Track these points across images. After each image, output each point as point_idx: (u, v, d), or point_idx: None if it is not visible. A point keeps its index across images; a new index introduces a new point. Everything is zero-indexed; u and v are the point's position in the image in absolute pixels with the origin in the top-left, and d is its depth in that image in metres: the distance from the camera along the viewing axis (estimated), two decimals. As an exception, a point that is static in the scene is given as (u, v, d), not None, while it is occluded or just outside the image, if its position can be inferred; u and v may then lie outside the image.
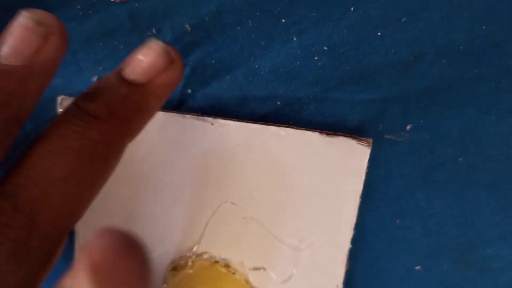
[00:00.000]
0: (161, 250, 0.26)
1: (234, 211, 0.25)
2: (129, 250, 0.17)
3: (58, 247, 0.17)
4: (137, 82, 0.18)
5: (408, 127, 0.24)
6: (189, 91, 0.25)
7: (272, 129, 0.24)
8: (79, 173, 0.17)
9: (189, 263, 0.27)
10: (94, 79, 0.25)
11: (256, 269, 0.26)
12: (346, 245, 0.25)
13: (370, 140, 0.23)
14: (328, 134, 0.24)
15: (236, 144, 0.24)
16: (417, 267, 0.26)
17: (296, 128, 0.24)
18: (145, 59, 0.18)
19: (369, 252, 0.27)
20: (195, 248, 0.26)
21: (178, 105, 0.25)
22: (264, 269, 0.26)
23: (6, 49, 0.17)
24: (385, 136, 0.24)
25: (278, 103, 0.24)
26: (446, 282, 0.26)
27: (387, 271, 0.27)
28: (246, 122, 0.24)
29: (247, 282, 0.27)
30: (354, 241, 0.26)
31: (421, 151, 0.24)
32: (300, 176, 0.24)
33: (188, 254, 0.27)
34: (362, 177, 0.24)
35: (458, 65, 0.23)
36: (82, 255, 0.16)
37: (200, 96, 0.25)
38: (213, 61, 0.24)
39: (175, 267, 0.27)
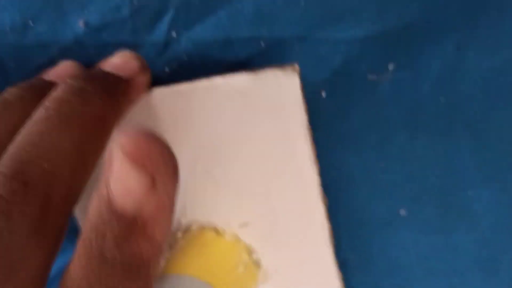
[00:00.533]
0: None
1: (201, 174, 0.25)
2: (160, 141, 0.17)
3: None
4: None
5: (390, 67, 0.24)
6: (174, 34, 0.25)
7: (202, 83, 0.23)
8: (83, 145, 0.18)
9: (179, 235, 0.26)
10: (80, 23, 0.25)
11: (242, 226, 0.26)
12: (314, 178, 0.25)
13: (296, 65, 0.23)
14: (252, 71, 0.23)
15: (179, 109, 0.24)
16: (402, 212, 0.27)
17: (220, 76, 0.23)
18: (121, 60, 0.22)
19: (353, 199, 0.27)
20: (182, 220, 0.26)
21: (163, 49, 0.25)
22: (249, 224, 0.26)
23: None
24: (368, 76, 0.24)
25: (262, 44, 0.24)
26: (430, 226, 0.27)
27: (372, 217, 0.27)
28: (177, 84, 0.24)
29: (238, 241, 0.27)
30: (338, 187, 0.26)
31: (403, 91, 0.25)
32: (242, 122, 0.24)
33: (176, 228, 0.26)
34: (301, 105, 0.23)
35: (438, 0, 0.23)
36: (116, 145, 0.16)
37: (185, 40, 0.25)
38: (197, 2, 0.24)
39: (169, 245, 0.27)
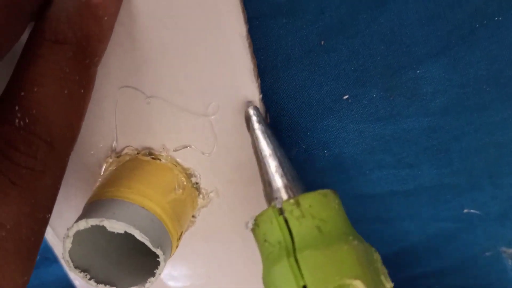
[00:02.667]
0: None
1: (134, 93, 0.23)
2: None
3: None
4: None
5: None
6: None
7: None
8: (71, 89, 0.19)
9: (111, 160, 0.24)
10: None
11: (179, 149, 0.24)
12: (256, 95, 0.23)
13: None
14: None
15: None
16: (345, 97, 0.24)
17: None
18: None
19: (292, 82, 0.24)
20: (114, 144, 0.25)
21: None
22: (187, 146, 0.24)
23: None
24: None
25: None
26: (376, 112, 0.24)
27: (313, 103, 0.24)
28: None
29: (176, 164, 0.24)
30: (275, 70, 0.23)
31: (343, -46, 0.22)
32: (179, 35, 0.22)
33: (108, 153, 0.25)
34: (240, 15, 0.21)
35: None
36: None
37: None
38: None
39: (102, 172, 0.25)
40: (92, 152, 0.25)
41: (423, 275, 0.28)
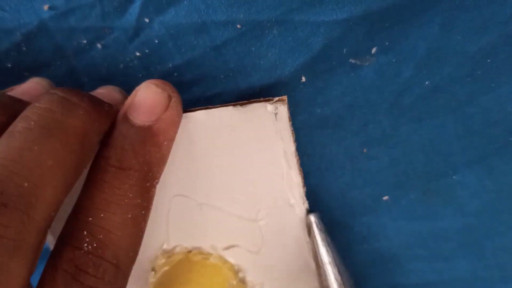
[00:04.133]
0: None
1: (187, 201, 0.25)
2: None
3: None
4: (144, 126, 0.20)
5: (373, 50, 0.23)
6: (146, 20, 0.23)
7: (189, 115, 0.23)
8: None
9: (163, 260, 0.26)
10: (45, 7, 0.23)
11: (227, 248, 0.26)
12: (301, 205, 0.25)
13: (285, 98, 0.23)
14: (241, 105, 0.23)
15: None
16: (385, 198, 0.26)
17: (210, 108, 0.23)
18: (145, 103, 0.20)
19: (336, 184, 0.26)
20: (165, 246, 0.26)
21: (134, 35, 0.24)
22: (235, 246, 0.26)
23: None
24: (349, 60, 0.23)
25: (239, 26, 0.23)
26: (414, 211, 0.26)
27: (354, 203, 0.26)
28: None
29: (224, 262, 0.26)
30: (320, 173, 0.25)
31: (387, 75, 0.24)
32: (231, 152, 0.24)
33: (160, 253, 0.26)
34: (290, 135, 0.24)
35: (422, -20, 0.22)
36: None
37: (157, 25, 0.24)
38: (169, -16, 0.23)
39: (153, 268, 0.27)
40: (144, 252, 0.27)
41: None
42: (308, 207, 0.25)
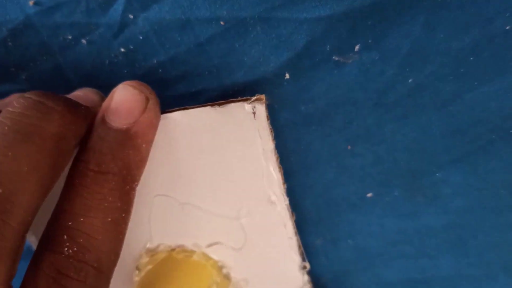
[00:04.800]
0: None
1: (168, 201, 0.25)
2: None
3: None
4: (122, 129, 0.20)
5: (356, 48, 0.23)
6: (130, 16, 0.23)
7: (167, 116, 0.23)
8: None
9: (147, 259, 0.27)
10: (31, 2, 0.23)
11: (210, 245, 0.26)
12: (282, 201, 0.25)
13: (263, 97, 0.23)
14: (219, 105, 0.23)
15: None
16: (369, 194, 0.26)
17: (188, 109, 0.23)
18: (123, 106, 0.20)
19: (321, 181, 0.26)
20: (148, 245, 0.26)
21: (119, 31, 0.24)
22: (218, 243, 0.26)
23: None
24: (333, 57, 0.23)
25: (222, 23, 0.23)
26: (398, 209, 0.26)
27: (339, 200, 0.26)
28: None
29: (207, 259, 0.27)
30: (305, 170, 0.25)
31: (370, 72, 0.24)
32: (211, 152, 0.24)
33: (144, 252, 0.27)
34: (268, 133, 0.24)
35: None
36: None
37: (142, 21, 0.24)
38: (153, -20, 0.23)
39: (138, 267, 0.27)
40: (128, 252, 0.27)
41: None
42: (288, 203, 0.25)
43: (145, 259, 0.27)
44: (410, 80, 0.24)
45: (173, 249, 0.26)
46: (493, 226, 0.26)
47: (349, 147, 0.25)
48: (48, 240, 0.19)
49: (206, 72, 0.24)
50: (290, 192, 0.26)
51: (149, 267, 0.27)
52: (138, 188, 0.22)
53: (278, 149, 0.25)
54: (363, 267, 0.28)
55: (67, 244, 0.19)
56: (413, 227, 0.26)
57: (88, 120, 0.21)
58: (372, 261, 0.28)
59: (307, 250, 0.28)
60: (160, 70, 0.24)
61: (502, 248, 0.26)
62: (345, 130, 0.25)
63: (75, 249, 0.19)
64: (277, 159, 0.24)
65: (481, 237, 0.26)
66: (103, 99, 0.23)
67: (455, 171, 0.25)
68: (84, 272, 0.19)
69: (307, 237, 0.28)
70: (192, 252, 0.26)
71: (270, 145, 0.24)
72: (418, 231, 0.27)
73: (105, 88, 0.23)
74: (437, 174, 0.25)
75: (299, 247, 0.26)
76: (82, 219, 0.19)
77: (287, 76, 0.24)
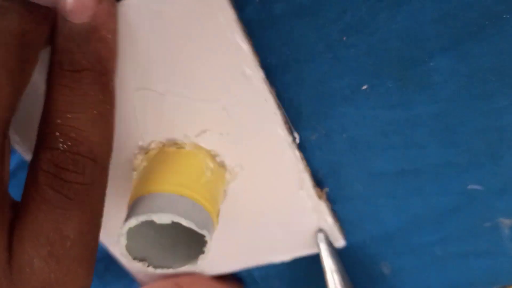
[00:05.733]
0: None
1: (149, 94, 0.25)
2: None
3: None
4: (83, 24, 0.21)
5: None
6: None
7: (124, 3, 0.23)
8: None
9: (141, 157, 0.27)
10: None
11: (199, 134, 0.27)
12: (257, 74, 0.25)
13: None
14: None
15: None
16: (364, 87, 0.27)
17: None
18: (77, 2, 0.20)
19: (315, 74, 0.27)
20: (140, 143, 0.27)
21: None
22: (206, 130, 0.26)
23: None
24: None
25: None
26: (390, 99, 0.27)
27: (334, 92, 0.27)
28: None
29: (199, 148, 0.27)
30: (299, 63, 0.26)
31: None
32: (179, 35, 0.24)
33: (137, 152, 0.27)
34: (226, 3, 0.23)
35: None
36: None
37: None
38: None
39: (134, 168, 0.28)
40: (122, 152, 0.28)
41: (428, 243, 0.31)
42: (264, 77, 0.25)
43: (139, 159, 0.27)
44: (404, -35, 0.24)
45: (164, 144, 0.27)
46: (480, 112, 0.27)
47: (344, 38, 0.25)
48: (42, 140, 0.21)
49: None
50: (284, 86, 0.26)
51: (144, 164, 0.27)
52: (116, 87, 0.23)
53: (271, 41, 0.25)
54: (356, 159, 0.29)
55: (60, 140, 0.20)
56: (404, 117, 0.27)
57: (50, 20, 0.21)
58: (365, 153, 0.29)
59: (303, 145, 0.29)
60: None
61: (490, 134, 0.27)
62: (339, 20, 0.25)
63: (69, 143, 0.20)
64: (246, 38, 0.24)
65: (469, 124, 0.27)
66: None
67: (446, 58, 0.25)
68: (82, 163, 0.20)
69: (302, 132, 0.28)
70: (183, 144, 0.27)
71: (231, 14, 0.23)
72: (408, 121, 0.27)
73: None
74: (430, 63, 0.26)
75: (286, 123, 0.26)
76: (69, 116, 0.20)
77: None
